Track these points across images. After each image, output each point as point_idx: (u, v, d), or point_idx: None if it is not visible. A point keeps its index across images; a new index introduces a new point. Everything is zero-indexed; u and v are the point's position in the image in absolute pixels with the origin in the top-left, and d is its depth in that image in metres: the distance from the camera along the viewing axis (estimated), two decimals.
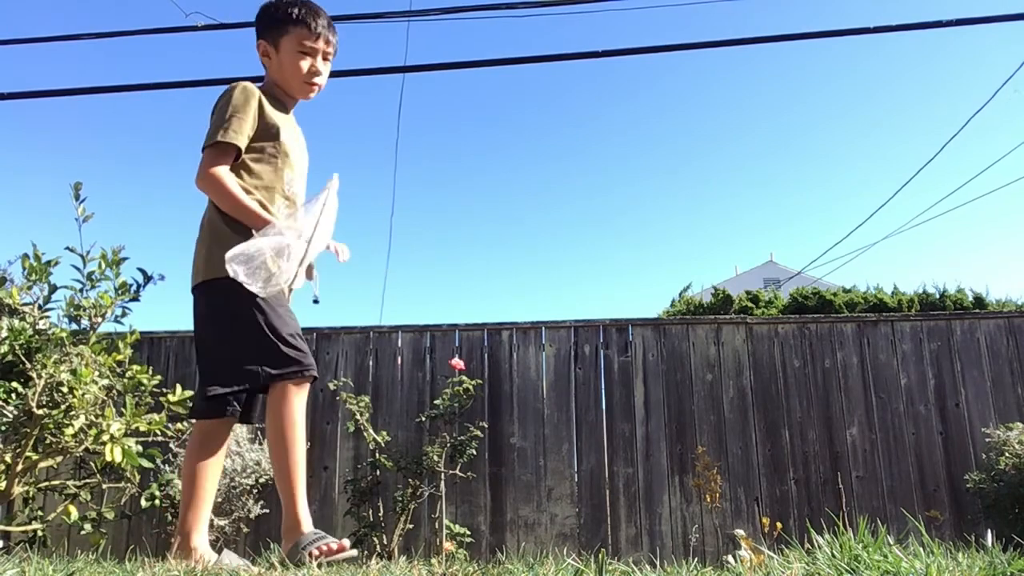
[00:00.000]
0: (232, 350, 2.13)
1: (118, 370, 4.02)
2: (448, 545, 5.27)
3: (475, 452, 5.33)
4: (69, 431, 3.61)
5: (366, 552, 5.21)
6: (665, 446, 5.78)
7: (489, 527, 5.64)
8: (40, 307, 4.02)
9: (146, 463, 3.92)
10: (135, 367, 4.10)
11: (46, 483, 4.51)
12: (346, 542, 2.10)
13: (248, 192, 2.17)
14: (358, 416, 5.33)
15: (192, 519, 2.20)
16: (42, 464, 3.95)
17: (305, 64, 2.30)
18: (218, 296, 2.13)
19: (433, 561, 2.27)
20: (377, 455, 5.36)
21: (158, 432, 4.01)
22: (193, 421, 2.28)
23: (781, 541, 3.39)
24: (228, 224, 2.15)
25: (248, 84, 2.28)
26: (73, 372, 3.62)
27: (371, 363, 6.04)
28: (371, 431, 5.37)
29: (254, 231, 2.06)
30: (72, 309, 3.99)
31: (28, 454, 3.72)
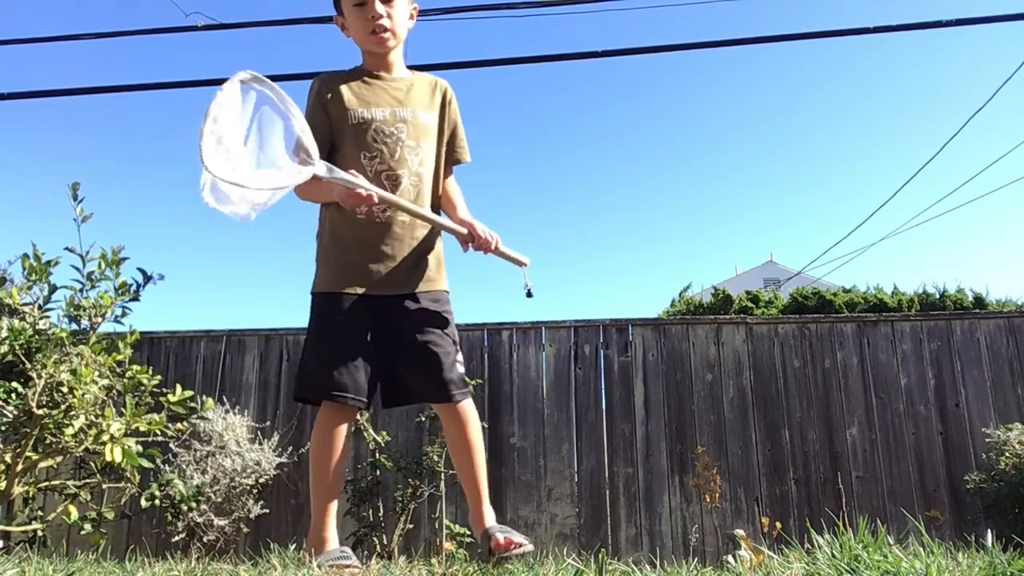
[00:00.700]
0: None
1: (118, 370, 4.02)
2: (448, 545, 5.27)
3: None
4: (69, 431, 3.61)
5: (366, 552, 5.21)
6: (665, 446, 5.78)
7: None
8: (40, 307, 4.02)
9: (146, 463, 3.92)
10: (135, 367, 4.10)
11: (46, 483, 4.51)
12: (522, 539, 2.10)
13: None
14: (358, 416, 5.33)
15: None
16: (42, 464, 3.95)
17: (363, 13, 2.11)
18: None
19: (433, 561, 2.28)
20: (377, 455, 5.36)
21: (158, 432, 4.01)
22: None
23: (781, 541, 3.39)
24: (318, 241, 2.22)
25: (315, 81, 2.18)
26: (73, 372, 3.62)
27: None
28: (371, 431, 5.37)
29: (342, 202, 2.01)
30: (72, 309, 3.99)
31: (28, 454, 3.72)
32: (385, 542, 5.26)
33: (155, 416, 3.96)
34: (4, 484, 3.72)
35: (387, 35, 2.13)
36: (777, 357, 5.97)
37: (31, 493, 4.39)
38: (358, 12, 2.12)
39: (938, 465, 5.70)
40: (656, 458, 5.76)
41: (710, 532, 5.56)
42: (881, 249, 34.96)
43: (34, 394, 3.56)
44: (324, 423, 2.12)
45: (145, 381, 4.08)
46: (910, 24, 5.89)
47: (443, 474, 5.32)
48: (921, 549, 1.54)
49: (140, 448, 3.87)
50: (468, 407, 2.18)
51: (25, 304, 3.98)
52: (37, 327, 3.92)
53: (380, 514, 5.43)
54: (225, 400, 5.54)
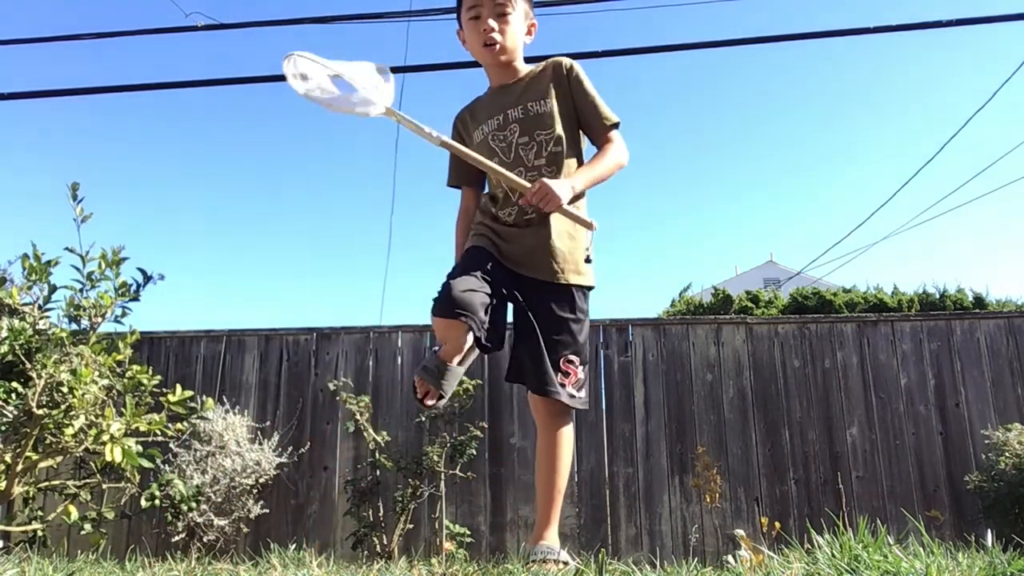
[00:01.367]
0: None
1: (118, 370, 4.03)
2: (448, 545, 5.27)
3: (475, 452, 5.33)
4: (69, 431, 3.61)
5: (366, 552, 5.21)
6: (665, 446, 5.78)
7: (489, 527, 5.64)
8: (40, 307, 4.02)
9: (146, 463, 3.92)
10: (135, 367, 4.11)
11: (46, 483, 4.51)
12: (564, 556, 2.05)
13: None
14: (358, 416, 5.33)
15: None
16: (42, 464, 3.95)
17: (477, 26, 2.20)
18: None
19: (433, 561, 2.28)
20: (377, 455, 5.36)
21: (158, 432, 4.01)
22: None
23: (781, 541, 3.39)
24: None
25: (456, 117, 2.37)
26: (73, 372, 3.62)
27: (371, 363, 6.04)
28: (371, 431, 5.37)
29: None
30: (72, 309, 4.00)
31: (28, 454, 3.73)
32: (385, 542, 5.26)
33: (155, 416, 3.96)
34: (4, 484, 3.73)
35: (497, 48, 2.21)
36: (777, 357, 5.97)
37: (31, 493, 4.39)
38: (472, 25, 2.22)
39: (938, 465, 5.70)
40: (656, 458, 5.76)
41: (710, 532, 5.56)
42: (881, 249, 34.97)
43: (34, 394, 3.56)
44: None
45: (145, 381, 4.08)
46: (910, 24, 5.89)
47: (443, 474, 5.32)
48: (921, 549, 1.54)
49: (140, 448, 3.87)
50: (562, 425, 2.19)
51: (25, 304, 3.98)
52: (37, 327, 3.92)
53: (380, 514, 5.43)
54: (225, 400, 5.54)
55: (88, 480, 4.57)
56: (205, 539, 4.90)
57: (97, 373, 3.75)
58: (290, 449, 5.47)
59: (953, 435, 5.75)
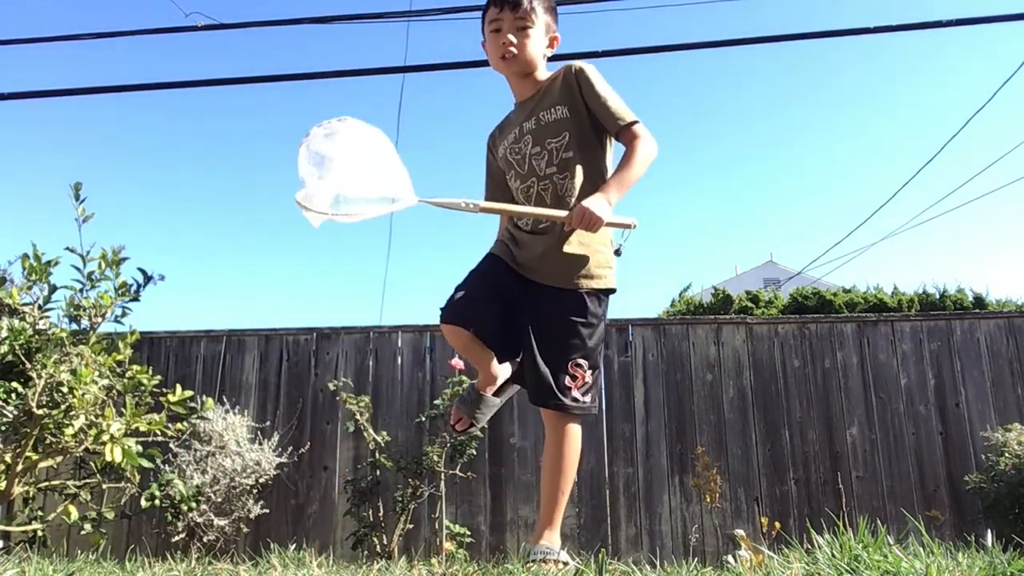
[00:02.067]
0: None
1: (118, 370, 4.03)
2: (448, 545, 5.27)
3: (475, 452, 5.33)
4: (69, 431, 3.61)
5: (366, 552, 5.21)
6: (665, 446, 5.78)
7: (489, 527, 5.64)
8: (40, 307, 4.02)
9: (146, 463, 3.92)
10: (135, 367, 4.11)
11: (46, 483, 4.51)
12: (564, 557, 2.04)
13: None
14: (358, 416, 5.33)
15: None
16: (42, 464, 3.95)
17: (497, 39, 2.24)
18: None
19: (433, 561, 2.28)
20: (377, 455, 5.36)
21: (158, 432, 4.01)
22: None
23: (781, 541, 3.39)
24: None
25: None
26: (73, 372, 3.62)
27: (371, 363, 6.04)
28: (371, 431, 5.37)
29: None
30: (72, 309, 3.99)
31: (28, 454, 3.73)
32: (385, 542, 5.26)
33: (155, 416, 3.96)
34: (4, 484, 3.73)
35: (513, 60, 2.23)
36: (777, 357, 5.96)
37: (31, 493, 4.39)
38: (492, 37, 2.26)
39: (938, 465, 5.69)
40: (656, 458, 5.76)
41: (710, 532, 5.56)
42: (881, 249, 34.99)
43: (34, 394, 3.56)
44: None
45: (145, 381, 4.08)
46: (910, 24, 5.88)
47: (443, 474, 5.32)
48: (921, 549, 1.54)
49: (140, 448, 3.87)
50: (569, 425, 2.16)
51: (25, 304, 3.98)
52: (37, 327, 3.92)
53: (380, 514, 5.43)
54: (225, 400, 5.54)
55: (88, 480, 4.57)
56: (205, 539, 4.90)
57: (97, 373, 3.75)
58: (290, 449, 5.47)
59: (953, 435, 5.75)
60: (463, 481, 5.44)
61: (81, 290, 4.03)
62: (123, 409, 3.84)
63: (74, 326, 4.05)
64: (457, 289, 2.14)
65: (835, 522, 2.05)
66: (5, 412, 3.66)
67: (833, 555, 1.55)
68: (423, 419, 5.66)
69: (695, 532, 5.56)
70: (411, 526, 5.44)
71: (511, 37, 2.21)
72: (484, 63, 6.14)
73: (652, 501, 5.67)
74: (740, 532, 3.90)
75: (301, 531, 5.64)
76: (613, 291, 2.22)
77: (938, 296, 10.93)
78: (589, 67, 2.23)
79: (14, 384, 3.68)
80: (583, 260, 2.17)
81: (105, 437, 3.69)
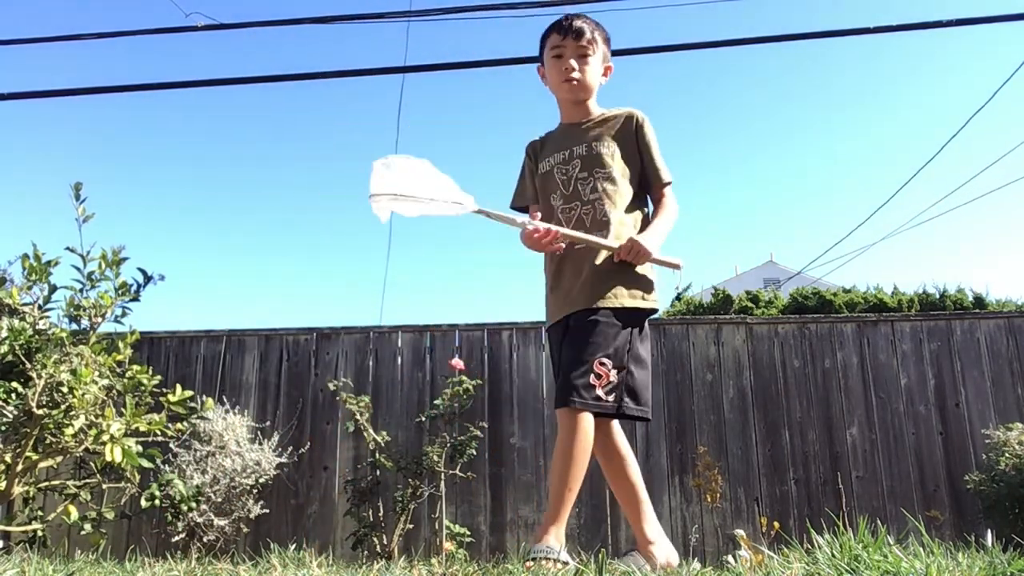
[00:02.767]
0: None
1: (118, 370, 4.02)
2: (448, 545, 5.27)
3: (475, 452, 5.33)
4: (69, 431, 3.61)
5: (366, 552, 5.21)
6: (665, 446, 5.78)
7: (489, 527, 5.64)
8: (40, 307, 4.02)
9: (146, 463, 3.92)
10: (135, 367, 4.10)
11: (46, 483, 4.50)
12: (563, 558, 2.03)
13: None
14: (358, 416, 5.33)
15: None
16: (42, 464, 3.94)
17: (559, 64, 2.39)
18: None
19: (433, 561, 2.28)
20: (377, 455, 5.36)
21: (158, 432, 4.01)
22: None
23: (781, 541, 3.39)
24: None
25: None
26: (73, 372, 3.62)
27: (371, 363, 6.04)
28: (371, 431, 5.37)
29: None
30: (72, 309, 3.99)
31: (28, 454, 3.72)
32: (385, 542, 5.26)
33: (155, 416, 3.96)
34: (4, 484, 3.72)
35: (576, 85, 2.39)
36: (777, 357, 5.96)
37: (31, 493, 4.38)
38: (555, 63, 2.40)
39: (938, 465, 5.69)
40: (656, 458, 5.76)
41: (710, 532, 5.56)
42: (881, 249, 35.00)
43: (34, 394, 3.56)
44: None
45: (145, 381, 4.08)
46: (910, 24, 5.88)
47: (443, 474, 5.32)
48: (921, 549, 1.54)
49: (140, 448, 3.87)
50: (579, 420, 2.14)
51: (25, 304, 3.98)
52: (37, 327, 3.91)
53: (380, 514, 5.43)
54: (225, 400, 5.54)
55: (88, 480, 4.57)
56: (205, 539, 4.90)
57: (97, 373, 3.75)
58: (290, 449, 5.47)
59: (953, 435, 5.75)
60: (463, 481, 5.44)
61: (81, 290, 4.03)
62: (123, 409, 3.84)
63: (74, 326, 4.04)
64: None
65: (835, 522, 2.05)
66: (5, 412, 3.65)
67: (833, 555, 1.55)
68: (423, 419, 5.65)
69: (695, 532, 5.56)
70: (411, 526, 5.44)
71: (573, 63, 2.37)
72: (485, 63, 6.16)
73: (652, 501, 5.64)
74: (740, 532, 3.90)
75: (301, 531, 5.64)
76: (636, 311, 2.27)
77: (938, 296, 10.93)
78: (647, 120, 2.42)
79: (14, 384, 3.68)
80: (611, 286, 2.25)
81: (105, 437, 3.69)
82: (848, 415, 5.82)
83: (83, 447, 3.79)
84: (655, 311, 2.33)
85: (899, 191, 18.59)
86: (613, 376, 2.16)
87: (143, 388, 4.07)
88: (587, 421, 2.14)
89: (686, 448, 5.75)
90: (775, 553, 1.79)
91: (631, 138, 2.38)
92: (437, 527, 5.45)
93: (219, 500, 5.01)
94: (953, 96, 49.11)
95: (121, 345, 4.07)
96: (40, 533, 4.45)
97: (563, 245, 2.27)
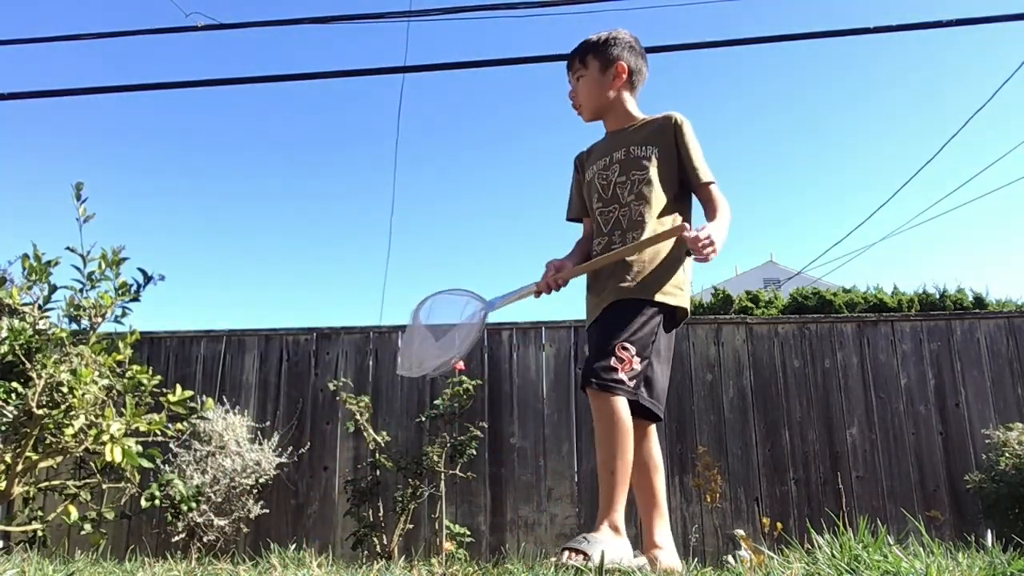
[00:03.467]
0: None
1: (118, 370, 4.02)
2: (448, 545, 5.27)
3: (475, 452, 5.33)
4: (69, 431, 3.61)
5: (366, 552, 5.21)
6: (665, 446, 5.78)
7: (489, 527, 5.64)
8: (40, 307, 4.02)
9: (146, 463, 3.92)
10: (135, 367, 4.10)
11: (46, 483, 4.51)
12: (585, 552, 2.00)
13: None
14: (358, 416, 5.33)
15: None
16: (42, 464, 3.94)
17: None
18: None
19: (433, 561, 2.28)
20: (377, 455, 5.36)
21: (158, 432, 4.01)
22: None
23: (781, 541, 3.39)
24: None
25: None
26: (73, 372, 3.62)
27: (371, 363, 6.04)
28: (371, 431, 5.37)
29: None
30: (72, 309, 3.99)
31: (28, 454, 3.72)
32: (385, 542, 5.26)
33: (155, 416, 3.96)
34: (4, 484, 3.72)
35: (579, 109, 2.52)
36: (777, 357, 5.96)
37: (31, 493, 4.39)
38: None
39: (938, 465, 5.69)
40: None
41: (710, 532, 5.56)
42: (881, 249, 34.99)
43: (34, 394, 3.56)
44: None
45: (145, 381, 4.08)
46: (910, 24, 5.88)
47: (443, 474, 5.32)
48: (921, 549, 1.54)
49: (140, 448, 3.87)
50: (608, 403, 2.13)
51: (25, 304, 3.98)
52: (37, 327, 3.91)
53: (380, 514, 5.43)
54: (225, 400, 5.54)
55: (88, 480, 4.57)
56: (205, 539, 4.90)
57: (97, 373, 3.75)
58: (290, 449, 5.47)
59: (953, 435, 5.75)
60: (463, 481, 5.44)
61: (81, 290, 4.03)
62: (123, 409, 3.84)
63: (74, 326, 4.04)
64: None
65: (835, 522, 2.05)
66: (5, 412, 3.65)
67: (833, 555, 1.55)
68: (423, 419, 5.65)
69: (695, 532, 5.56)
70: (411, 526, 5.44)
71: (570, 87, 2.52)
72: (485, 63, 6.16)
73: None
74: (740, 532, 3.91)
75: (301, 531, 5.64)
76: (668, 306, 2.31)
77: (938, 296, 10.93)
78: (687, 122, 2.44)
79: (14, 384, 3.68)
80: (642, 280, 2.29)
81: (105, 437, 3.69)
82: (848, 415, 5.82)
83: (83, 447, 3.80)
84: (684, 310, 2.36)
85: (899, 191, 18.61)
86: (636, 364, 2.15)
87: (143, 388, 4.07)
88: (618, 404, 2.11)
89: (686, 448, 5.75)
90: (775, 553, 1.79)
91: (670, 140, 2.39)
92: (437, 527, 5.45)
93: (219, 500, 5.01)
94: (953, 96, 49.12)
95: (121, 345, 4.07)
96: (40, 533, 4.45)
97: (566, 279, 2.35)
